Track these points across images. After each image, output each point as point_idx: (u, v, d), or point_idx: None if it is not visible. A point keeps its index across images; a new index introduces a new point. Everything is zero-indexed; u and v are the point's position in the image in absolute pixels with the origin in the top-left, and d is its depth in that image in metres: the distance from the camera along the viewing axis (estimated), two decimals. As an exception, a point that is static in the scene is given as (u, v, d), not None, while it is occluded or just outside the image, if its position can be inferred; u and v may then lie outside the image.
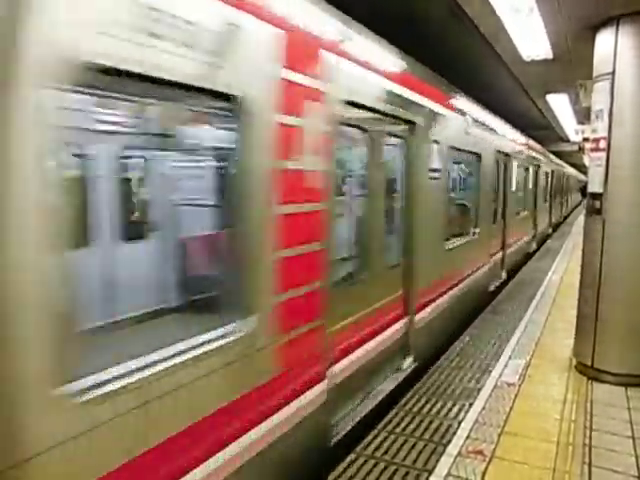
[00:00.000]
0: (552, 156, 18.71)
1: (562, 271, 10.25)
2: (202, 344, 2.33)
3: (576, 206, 35.48)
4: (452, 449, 3.46)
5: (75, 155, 4.10)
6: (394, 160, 4.88)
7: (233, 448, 2.52)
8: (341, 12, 3.46)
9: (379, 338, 4.34)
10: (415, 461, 3.34)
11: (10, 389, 1.57)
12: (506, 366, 5.00)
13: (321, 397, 3.30)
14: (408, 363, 4.90)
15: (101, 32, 1.79)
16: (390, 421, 3.89)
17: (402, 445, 3.54)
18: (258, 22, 2.58)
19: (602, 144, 4.52)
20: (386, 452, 3.45)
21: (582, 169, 31.87)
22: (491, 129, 8.28)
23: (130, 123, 4.24)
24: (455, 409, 4.08)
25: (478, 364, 5.08)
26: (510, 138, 10.08)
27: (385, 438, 3.63)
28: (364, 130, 4.09)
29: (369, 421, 3.93)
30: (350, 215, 4.99)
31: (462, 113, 6.49)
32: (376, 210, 4.33)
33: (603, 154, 4.51)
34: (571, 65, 6.33)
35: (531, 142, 13.08)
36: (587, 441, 3.58)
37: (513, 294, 8.25)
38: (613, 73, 4.41)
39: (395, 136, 4.72)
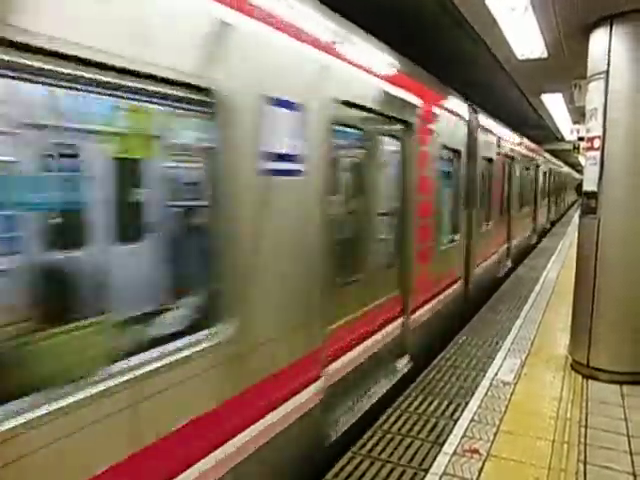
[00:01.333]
0: (549, 155, 18.81)
1: (557, 269, 10.28)
2: None
3: (572, 204, 35.94)
4: (448, 448, 3.47)
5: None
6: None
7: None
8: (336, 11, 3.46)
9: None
10: (411, 460, 3.34)
11: None
12: (502, 365, 5.02)
13: None
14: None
15: None
16: (386, 420, 3.89)
17: (398, 444, 3.54)
18: None
19: (597, 143, 4.54)
20: (382, 451, 3.45)
21: (577, 167, 32.06)
22: (507, 140, 9.65)
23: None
24: (451, 408, 4.09)
25: (474, 363, 5.09)
26: (518, 142, 11.26)
27: (381, 437, 3.63)
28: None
29: None
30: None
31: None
32: None
33: (598, 153, 4.52)
34: (566, 64, 6.34)
35: (533, 145, 13.88)
36: (582, 439, 3.59)
37: (509, 293, 8.27)
38: (607, 72, 4.43)
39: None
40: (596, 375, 4.63)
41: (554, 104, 10.10)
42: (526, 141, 12.73)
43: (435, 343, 5.69)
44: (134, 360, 2.07)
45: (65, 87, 1.90)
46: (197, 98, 2.31)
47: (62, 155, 3.16)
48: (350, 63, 3.62)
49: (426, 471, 3.20)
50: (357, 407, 3.98)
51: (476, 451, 3.41)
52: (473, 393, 4.35)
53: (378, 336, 4.33)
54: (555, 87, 8.34)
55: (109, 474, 1.91)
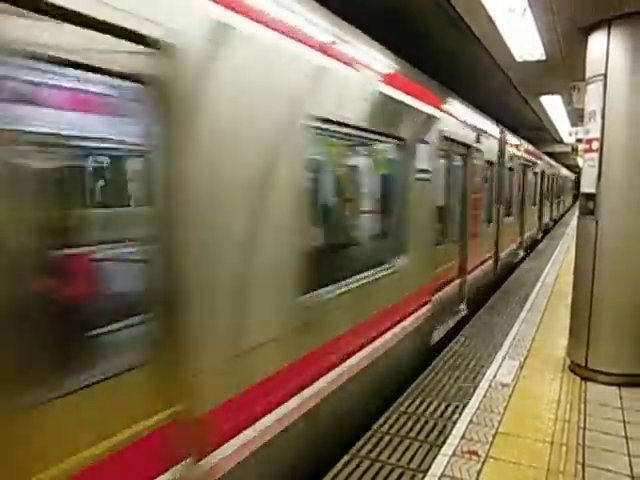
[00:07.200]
0: (548, 158, 18.95)
1: (556, 271, 10.30)
2: None
3: (571, 204, 37.15)
4: (447, 449, 3.47)
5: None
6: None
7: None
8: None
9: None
10: (410, 462, 3.34)
11: None
12: (500, 366, 5.02)
13: None
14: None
15: None
16: (385, 422, 3.89)
17: (397, 446, 3.54)
18: None
19: (595, 145, 4.55)
20: (381, 453, 3.45)
21: (575, 170, 32.26)
22: (520, 147, 11.80)
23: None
24: (450, 409, 4.09)
25: (472, 364, 5.09)
26: (528, 150, 13.11)
27: (380, 439, 3.63)
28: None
29: None
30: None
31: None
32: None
33: (596, 155, 4.53)
34: (564, 66, 6.36)
35: (538, 151, 14.89)
36: (581, 441, 3.60)
37: (507, 294, 8.28)
38: (605, 74, 4.44)
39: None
40: (594, 377, 4.64)
41: (553, 106, 10.13)
42: (533, 149, 14.46)
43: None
44: None
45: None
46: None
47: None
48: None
49: (425, 472, 3.20)
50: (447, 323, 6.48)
51: (475, 453, 3.42)
52: (472, 395, 4.35)
53: None
54: (554, 89, 8.36)
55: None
